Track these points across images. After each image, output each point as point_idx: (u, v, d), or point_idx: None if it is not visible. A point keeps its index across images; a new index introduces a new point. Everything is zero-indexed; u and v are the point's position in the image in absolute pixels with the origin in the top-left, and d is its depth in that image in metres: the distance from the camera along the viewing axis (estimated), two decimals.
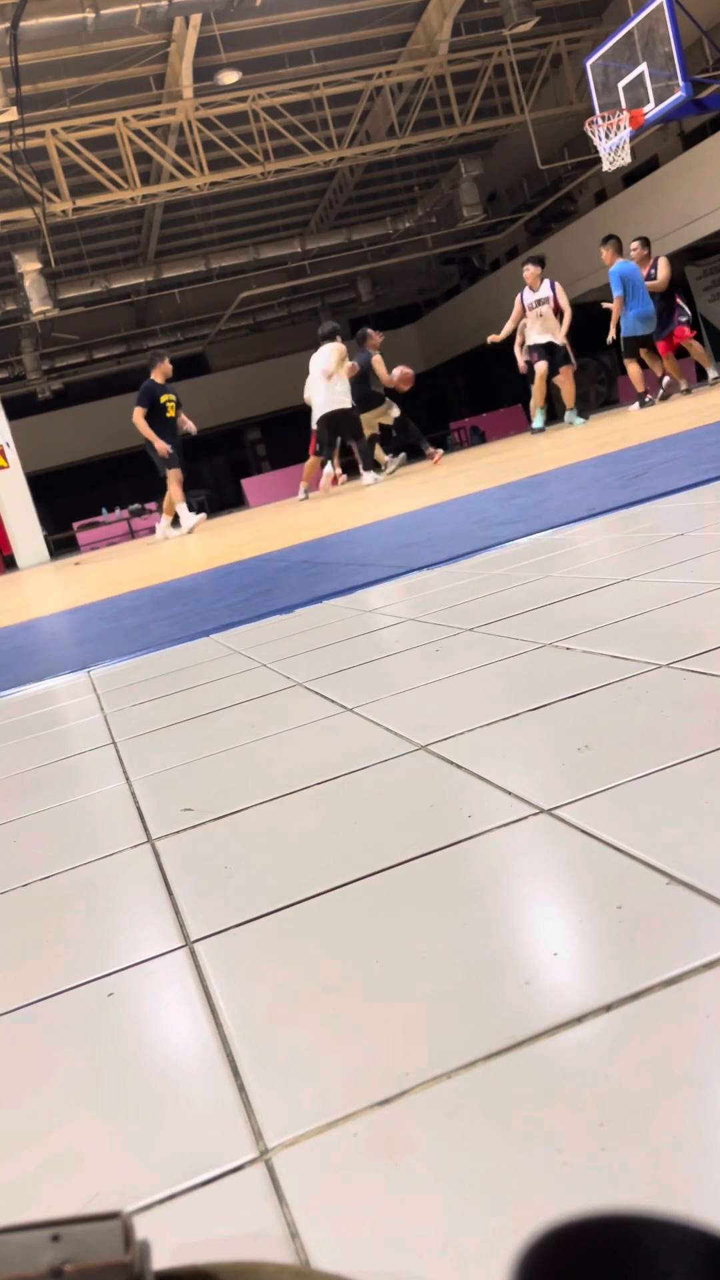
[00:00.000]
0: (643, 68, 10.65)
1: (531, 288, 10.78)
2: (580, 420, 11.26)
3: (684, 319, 10.74)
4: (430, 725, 1.20)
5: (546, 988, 0.59)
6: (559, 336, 10.78)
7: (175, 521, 10.68)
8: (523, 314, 10.88)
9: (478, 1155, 0.47)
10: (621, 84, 11.05)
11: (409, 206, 20.67)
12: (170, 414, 10.14)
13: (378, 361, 10.82)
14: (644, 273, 10.50)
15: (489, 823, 0.86)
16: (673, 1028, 0.52)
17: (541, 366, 10.88)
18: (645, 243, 10.68)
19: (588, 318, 12.46)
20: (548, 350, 10.87)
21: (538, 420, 11.29)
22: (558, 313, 10.72)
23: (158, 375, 10.06)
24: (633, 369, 10.59)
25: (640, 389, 10.62)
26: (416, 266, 25.28)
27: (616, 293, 10.34)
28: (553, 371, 10.91)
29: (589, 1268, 0.31)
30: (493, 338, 11.43)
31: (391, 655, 1.68)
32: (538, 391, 11.08)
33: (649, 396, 10.70)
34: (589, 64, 11.58)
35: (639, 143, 13.87)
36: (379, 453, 11.58)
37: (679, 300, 10.80)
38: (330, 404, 10.43)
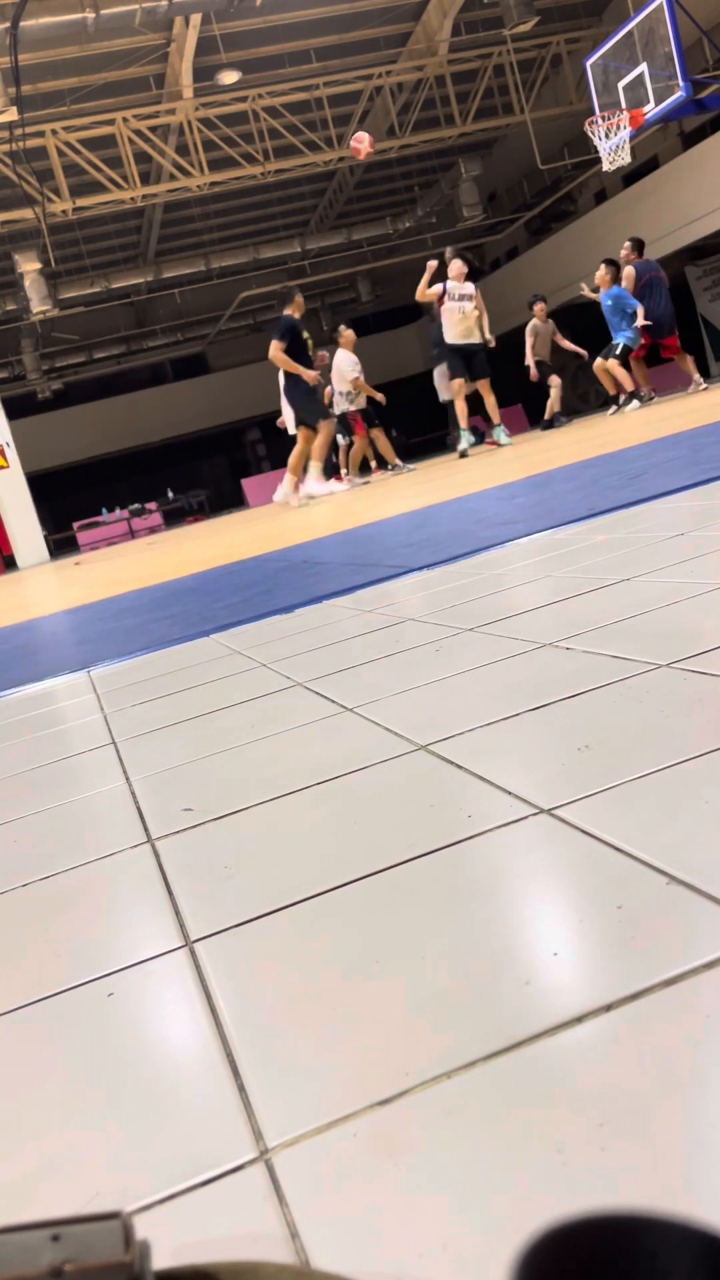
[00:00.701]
0: (643, 68, 10.65)
1: (456, 281, 10.08)
2: (508, 440, 10.76)
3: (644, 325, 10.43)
4: (430, 725, 1.20)
5: (547, 988, 0.59)
6: (478, 337, 10.07)
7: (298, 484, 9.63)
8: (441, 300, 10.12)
9: (478, 1155, 0.47)
10: (621, 84, 11.05)
11: (409, 206, 20.67)
12: (310, 351, 9.40)
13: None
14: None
15: (489, 823, 0.86)
16: (673, 1028, 0.52)
17: (457, 383, 10.24)
18: (636, 246, 10.45)
19: (588, 317, 12.45)
20: (465, 356, 10.12)
21: (464, 441, 10.57)
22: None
23: (294, 310, 9.28)
24: (620, 372, 10.49)
25: (630, 388, 10.58)
26: (416, 266, 25.25)
27: (618, 316, 10.43)
28: (474, 377, 10.20)
29: (589, 1268, 0.31)
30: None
31: (391, 655, 1.68)
32: (460, 409, 10.43)
33: (644, 391, 10.66)
34: (589, 64, 11.58)
35: (639, 143, 13.85)
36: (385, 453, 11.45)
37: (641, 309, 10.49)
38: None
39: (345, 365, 10.79)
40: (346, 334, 10.95)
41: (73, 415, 24.16)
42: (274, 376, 12.52)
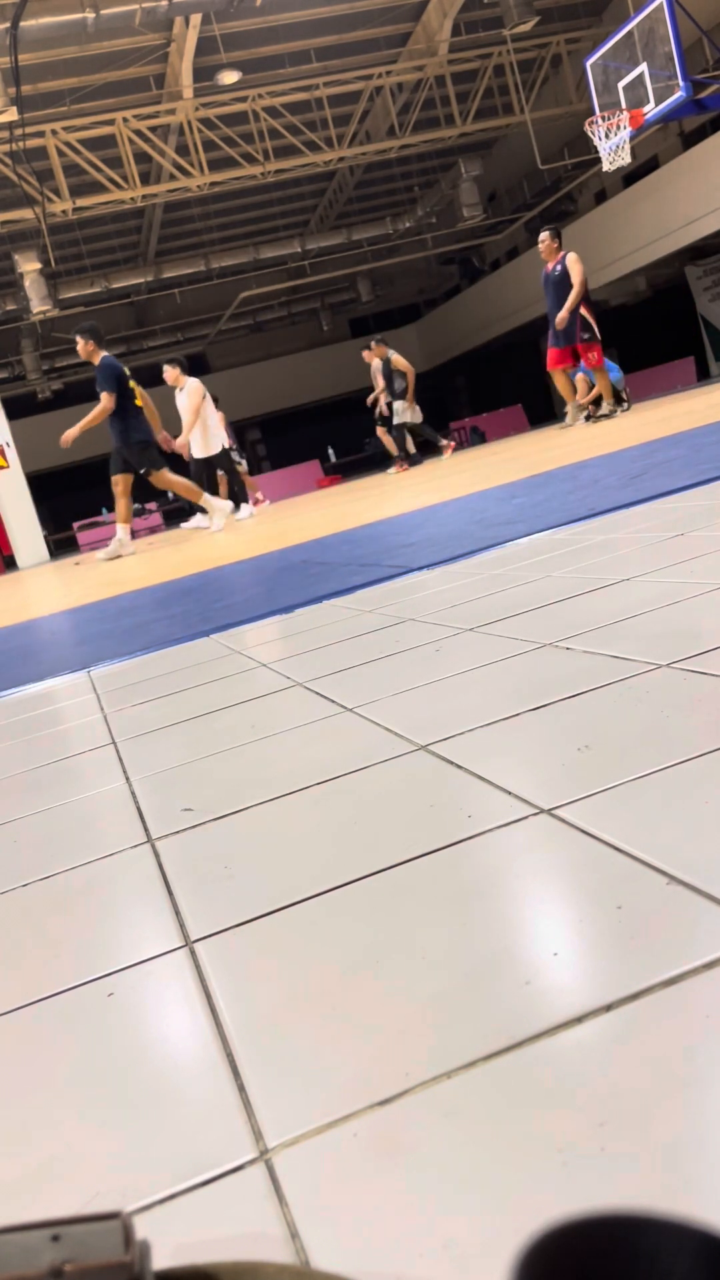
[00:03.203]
0: (643, 68, 10.64)
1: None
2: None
3: (586, 335, 9.61)
4: (430, 725, 1.20)
5: (547, 988, 0.59)
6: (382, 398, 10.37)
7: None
8: None
9: (478, 1155, 0.47)
10: (621, 84, 11.04)
11: (409, 206, 20.66)
12: (137, 396, 8.56)
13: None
14: (549, 268, 9.60)
15: (489, 823, 0.86)
16: (673, 1028, 0.52)
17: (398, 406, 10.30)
18: (555, 234, 9.66)
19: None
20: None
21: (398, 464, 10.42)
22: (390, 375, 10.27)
23: (96, 349, 8.32)
24: (559, 380, 9.89)
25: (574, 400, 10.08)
26: (416, 266, 25.27)
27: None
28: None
29: (589, 1268, 0.31)
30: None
31: (391, 655, 1.68)
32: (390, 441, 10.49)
33: (607, 407, 10.03)
34: (589, 64, 11.58)
35: (639, 143, 13.85)
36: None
37: (586, 312, 9.63)
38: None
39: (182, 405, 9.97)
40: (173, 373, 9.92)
41: (73, 415, 24.10)
42: (275, 376, 12.52)
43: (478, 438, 20.00)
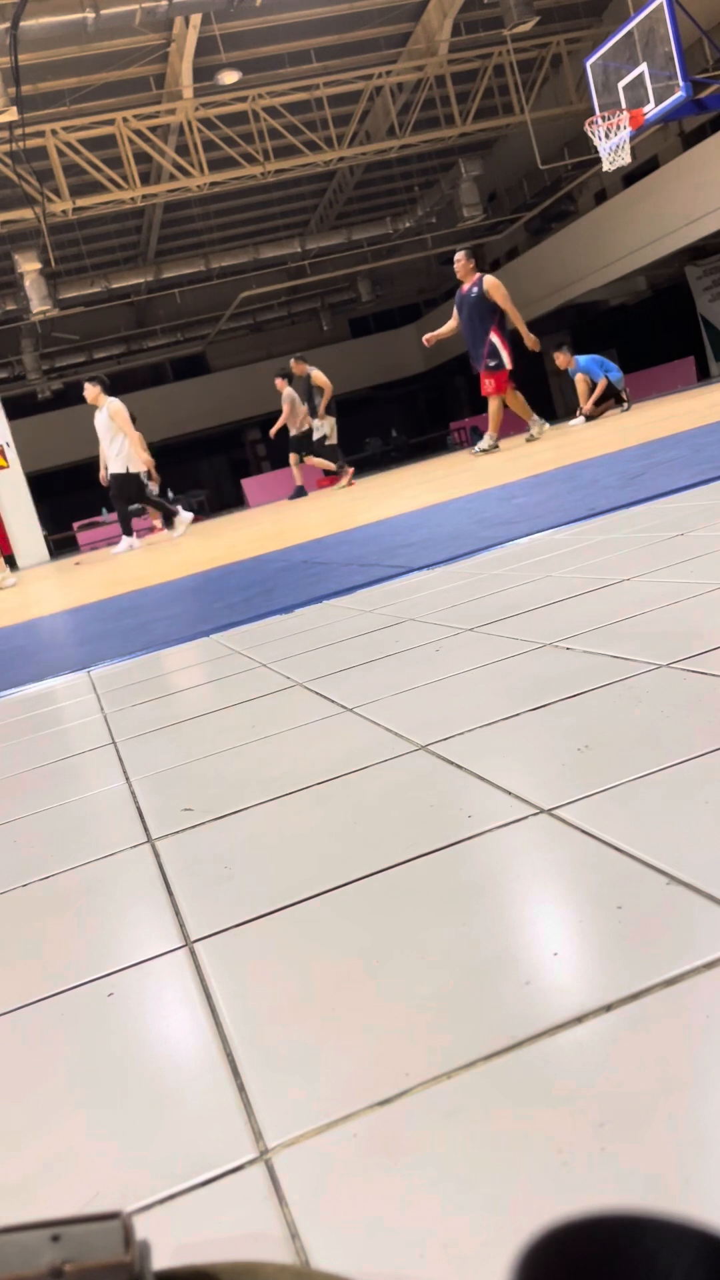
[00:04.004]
0: (643, 68, 10.64)
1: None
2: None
3: (492, 363, 9.19)
4: (430, 725, 1.20)
5: (547, 988, 0.59)
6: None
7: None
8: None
9: (478, 1155, 0.47)
10: (621, 84, 11.04)
11: (409, 206, 20.66)
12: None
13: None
14: (464, 289, 9.32)
15: (489, 823, 0.86)
16: (673, 1028, 0.52)
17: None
18: (469, 254, 9.41)
19: (584, 316, 12.46)
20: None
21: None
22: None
23: None
24: (510, 401, 9.54)
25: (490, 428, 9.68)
26: (416, 266, 25.27)
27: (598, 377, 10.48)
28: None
29: (589, 1268, 0.31)
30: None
31: (391, 655, 1.68)
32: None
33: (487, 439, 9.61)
34: (589, 64, 11.58)
35: (639, 143, 13.86)
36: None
37: (496, 334, 9.16)
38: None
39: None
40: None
41: (73, 415, 24.13)
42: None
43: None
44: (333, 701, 1.46)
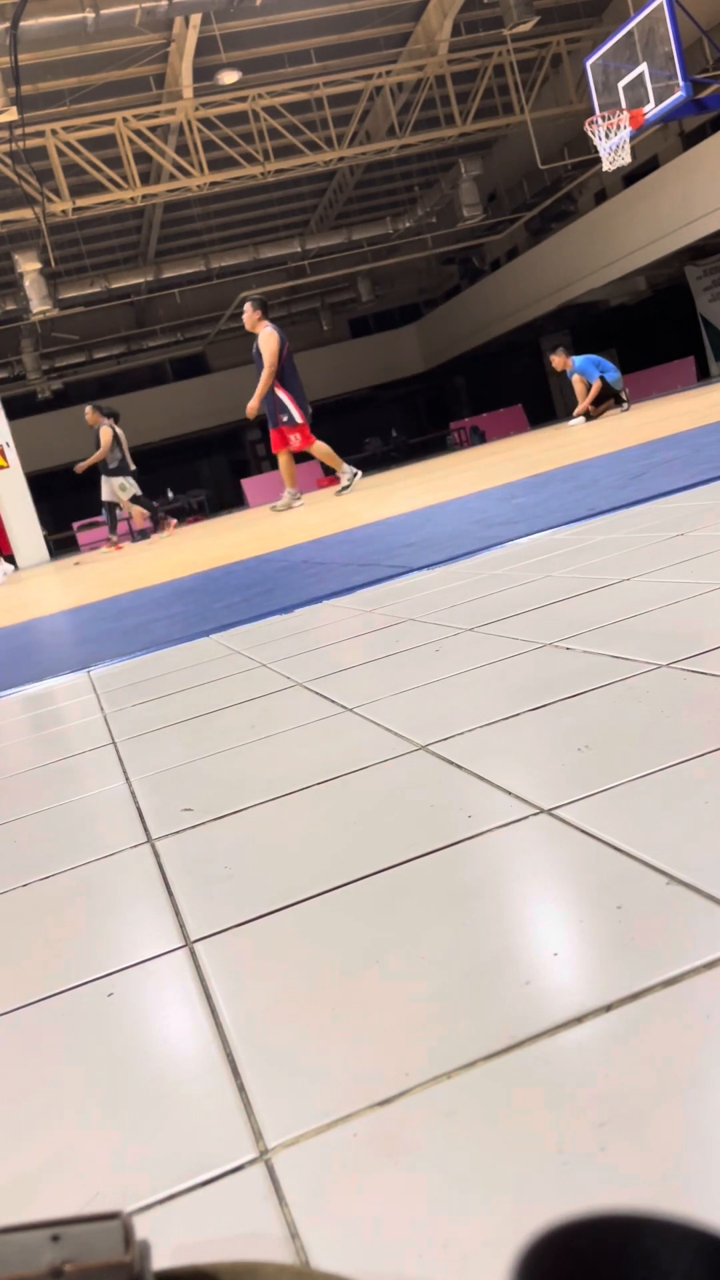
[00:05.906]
0: (643, 68, 10.64)
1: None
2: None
3: (284, 418, 8.67)
4: (430, 725, 1.20)
5: (547, 988, 0.59)
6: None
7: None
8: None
9: (478, 1155, 0.47)
10: (621, 84, 11.04)
11: (409, 206, 20.67)
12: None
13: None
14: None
15: (489, 823, 0.86)
16: (673, 1028, 0.52)
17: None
18: (256, 304, 8.69)
19: (584, 316, 12.47)
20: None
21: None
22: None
23: None
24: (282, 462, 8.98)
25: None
26: (416, 266, 25.28)
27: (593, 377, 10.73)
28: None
29: (589, 1268, 0.31)
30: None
31: (391, 655, 1.68)
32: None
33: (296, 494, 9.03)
34: (589, 64, 11.58)
35: (639, 143, 13.86)
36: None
37: (281, 390, 8.62)
38: None
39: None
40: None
41: (73, 415, 24.15)
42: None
43: (478, 438, 20.00)
44: (333, 701, 1.46)
